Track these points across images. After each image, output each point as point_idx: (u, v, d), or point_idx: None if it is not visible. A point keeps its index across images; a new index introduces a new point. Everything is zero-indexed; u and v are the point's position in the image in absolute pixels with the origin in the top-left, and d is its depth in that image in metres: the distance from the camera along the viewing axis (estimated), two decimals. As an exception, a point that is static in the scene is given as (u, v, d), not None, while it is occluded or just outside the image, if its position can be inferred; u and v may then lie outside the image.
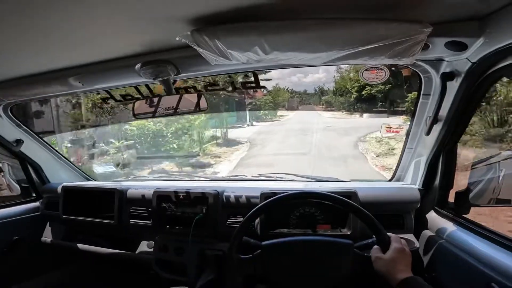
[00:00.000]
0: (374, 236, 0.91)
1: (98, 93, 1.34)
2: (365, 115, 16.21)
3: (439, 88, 0.97)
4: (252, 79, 1.03)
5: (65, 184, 1.68)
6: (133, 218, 1.50)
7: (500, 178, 0.98)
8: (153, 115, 1.19)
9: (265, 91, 18.48)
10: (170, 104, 1.18)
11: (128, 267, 1.66)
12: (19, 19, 0.68)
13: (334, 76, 20.76)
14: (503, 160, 1.02)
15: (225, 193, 1.36)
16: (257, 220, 1.24)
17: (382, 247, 0.87)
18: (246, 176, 1.70)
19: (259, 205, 0.99)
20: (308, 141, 11.24)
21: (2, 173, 1.69)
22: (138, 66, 0.98)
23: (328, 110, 21.14)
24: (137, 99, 1.18)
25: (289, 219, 1.27)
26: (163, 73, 1.01)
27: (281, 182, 1.58)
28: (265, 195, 1.24)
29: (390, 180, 1.50)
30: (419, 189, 1.23)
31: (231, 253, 0.93)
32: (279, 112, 21.01)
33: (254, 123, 17.28)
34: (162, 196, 1.40)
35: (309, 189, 1.36)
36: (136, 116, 1.18)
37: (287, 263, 0.92)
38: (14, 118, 1.52)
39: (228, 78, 1.13)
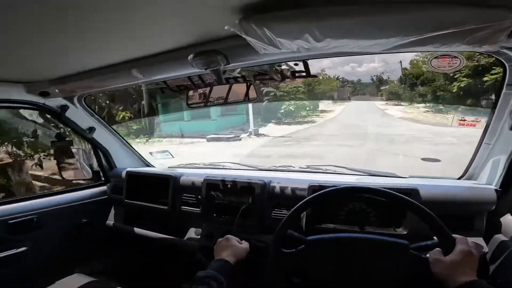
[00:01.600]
0: (435, 237, 0.81)
1: (157, 84, 1.43)
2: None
3: None
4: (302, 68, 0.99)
5: (129, 169, 1.81)
6: (184, 205, 1.56)
7: None
8: (205, 104, 1.22)
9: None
10: (221, 94, 1.19)
11: (176, 252, 1.73)
12: (91, 21, 0.75)
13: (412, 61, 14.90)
14: None
15: (271, 184, 1.34)
16: (304, 214, 1.20)
17: (444, 249, 0.77)
18: (294, 167, 1.66)
19: (307, 198, 0.94)
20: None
21: (76, 158, 1.87)
22: (190, 56, 1.00)
23: (395, 104, 15.74)
24: (190, 89, 1.22)
25: (338, 214, 1.20)
26: (214, 63, 1.02)
27: (330, 175, 1.51)
28: (312, 188, 1.19)
29: (459, 178, 1.33)
30: (495, 190, 1.08)
31: (274, 245, 0.91)
32: (322, 105, 16.59)
33: (264, 129, 11.75)
34: (211, 184, 1.43)
35: (365, 184, 1.26)
36: (189, 105, 1.22)
37: (332, 261, 0.87)
38: (87, 107, 1.68)
39: (277, 67, 1.10)
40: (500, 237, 1.05)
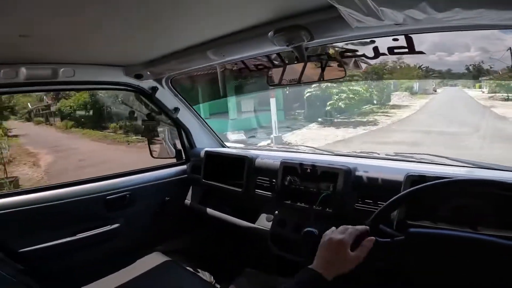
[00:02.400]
0: None
1: (236, 64, 1.44)
2: None
3: None
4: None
5: (207, 149, 1.86)
6: (258, 188, 1.52)
7: None
8: (293, 82, 1.17)
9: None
10: (294, 74, 1.14)
11: (246, 237, 1.70)
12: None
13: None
14: None
15: (357, 171, 1.21)
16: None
17: None
18: (379, 153, 1.48)
19: (412, 188, 0.82)
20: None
21: (162, 137, 1.99)
22: (271, 33, 0.96)
23: (504, 99, 10.96)
24: (269, 68, 1.19)
25: (438, 211, 1.01)
26: (296, 39, 0.96)
27: (428, 165, 1.27)
28: (412, 179, 1.01)
29: None
30: None
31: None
32: (395, 99, 12.88)
33: (296, 134, 8.54)
34: (288, 168, 1.37)
35: (480, 177, 1.04)
36: (270, 84, 1.20)
37: (432, 260, 0.74)
38: (173, 88, 1.79)
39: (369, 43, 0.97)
40: None
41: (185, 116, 1.91)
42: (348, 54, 1.06)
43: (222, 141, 2.12)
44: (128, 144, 9.93)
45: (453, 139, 7.17)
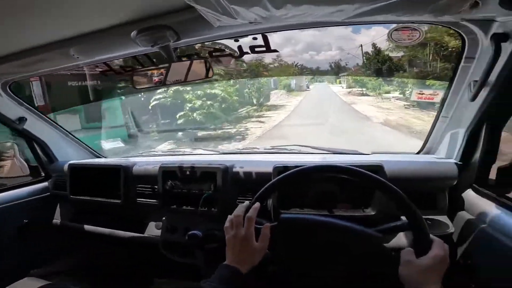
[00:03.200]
0: (403, 217, 0.78)
1: (97, 66, 1.25)
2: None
3: (490, 51, 0.81)
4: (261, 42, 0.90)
5: (71, 162, 1.63)
6: (140, 197, 1.44)
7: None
8: (160, 84, 1.11)
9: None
10: (180, 72, 1.08)
11: (138, 249, 1.62)
12: None
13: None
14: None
15: (234, 168, 1.26)
16: (270, 199, 1.14)
17: (418, 250, 0.71)
18: (259, 148, 1.59)
19: (272, 181, 0.87)
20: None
21: (9, 152, 1.67)
22: (133, 33, 0.89)
23: (361, 94, 12.79)
24: (137, 69, 1.09)
25: (305, 197, 1.15)
26: (162, 40, 0.91)
27: (296, 155, 1.47)
28: (278, 169, 1.12)
29: (418, 153, 1.33)
30: (456, 163, 1.07)
31: None
32: (273, 98, 12.19)
33: None
34: (168, 172, 1.32)
35: (330, 162, 1.21)
36: (136, 87, 1.10)
37: (301, 244, 0.83)
38: (14, 95, 1.46)
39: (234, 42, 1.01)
40: (464, 214, 1.02)
41: (36, 126, 1.61)
42: (217, 53, 1.06)
43: (95, 151, 1.90)
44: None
45: (319, 130, 8.34)
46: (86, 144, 1.87)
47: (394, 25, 0.99)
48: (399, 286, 0.70)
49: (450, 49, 8.79)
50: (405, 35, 0.97)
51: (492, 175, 0.98)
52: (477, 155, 1.00)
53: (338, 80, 17.52)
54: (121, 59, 1.22)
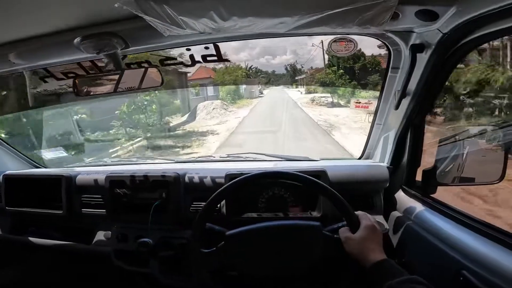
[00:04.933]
0: (343, 218, 0.86)
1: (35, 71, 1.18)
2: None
3: (409, 61, 0.93)
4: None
5: (6, 172, 1.52)
6: (85, 207, 1.38)
7: (464, 156, 0.96)
8: (112, 92, 1.06)
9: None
10: (134, 79, 1.05)
11: (85, 259, 1.55)
12: None
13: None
14: (467, 137, 1.01)
15: (187, 176, 1.27)
16: (224, 205, 1.17)
17: (351, 227, 0.82)
18: (214, 157, 1.62)
19: (221, 188, 0.91)
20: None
21: None
22: (77, 40, 0.87)
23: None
24: (80, 76, 1.04)
25: (258, 202, 1.21)
26: (108, 47, 0.90)
27: (250, 163, 1.51)
28: (230, 176, 1.16)
29: (359, 158, 1.45)
30: (387, 167, 1.18)
31: (193, 243, 0.86)
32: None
33: None
34: (115, 182, 1.28)
35: (275, 168, 1.29)
36: (77, 94, 1.05)
37: (253, 253, 0.86)
38: None
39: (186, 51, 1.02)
40: (396, 213, 1.11)
41: None
42: (168, 62, 1.07)
43: (34, 161, 1.77)
44: None
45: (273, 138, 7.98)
46: (23, 154, 1.74)
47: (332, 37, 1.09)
48: (351, 264, 0.79)
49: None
50: (342, 46, 1.08)
51: (419, 177, 1.07)
52: (405, 158, 1.12)
53: (295, 84, 16.92)
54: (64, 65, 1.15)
